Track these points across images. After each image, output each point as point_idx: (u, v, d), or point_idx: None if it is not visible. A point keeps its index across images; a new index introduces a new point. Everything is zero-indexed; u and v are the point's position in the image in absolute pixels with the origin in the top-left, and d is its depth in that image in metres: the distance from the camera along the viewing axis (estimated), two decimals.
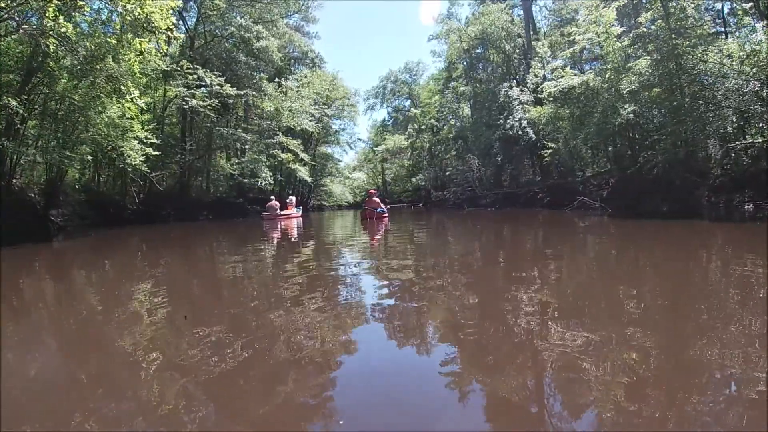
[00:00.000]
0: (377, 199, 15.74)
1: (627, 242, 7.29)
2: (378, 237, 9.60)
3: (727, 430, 1.52)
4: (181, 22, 19.68)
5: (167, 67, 13.93)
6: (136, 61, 8.61)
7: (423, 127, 32.60)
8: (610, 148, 16.61)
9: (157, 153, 12.10)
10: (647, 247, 6.44)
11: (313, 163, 27.86)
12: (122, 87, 8.21)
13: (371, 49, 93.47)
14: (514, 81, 21.64)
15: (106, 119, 8.97)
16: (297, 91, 22.47)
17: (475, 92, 23.52)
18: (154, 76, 14.43)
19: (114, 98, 8.74)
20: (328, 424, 1.66)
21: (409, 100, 44.08)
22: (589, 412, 1.69)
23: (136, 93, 8.70)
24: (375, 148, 44.48)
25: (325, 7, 63.69)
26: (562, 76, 14.55)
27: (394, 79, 44.96)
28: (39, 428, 1.67)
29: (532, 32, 23.02)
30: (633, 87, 12.49)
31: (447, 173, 33.26)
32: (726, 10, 16.47)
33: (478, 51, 23.92)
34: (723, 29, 15.68)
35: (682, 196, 11.33)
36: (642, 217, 10.55)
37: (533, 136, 18.01)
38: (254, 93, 18.24)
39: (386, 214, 15.65)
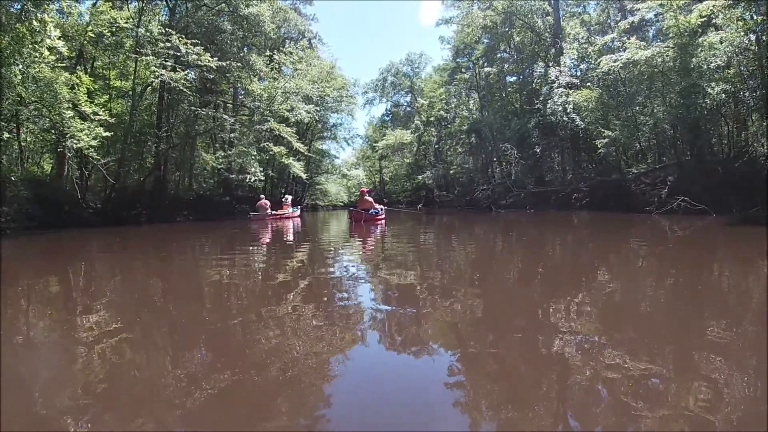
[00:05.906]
0: (370, 199, 13.36)
1: None
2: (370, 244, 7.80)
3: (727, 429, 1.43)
4: None
5: (126, 22, 11.03)
6: None
7: (432, 119, 29.97)
8: (646, 141, 14.07)
9: (107, 134, 9.23)
10: None
11: (309, 155, 25.35)
12: (34, 21, 5.33)
13: (369, 52, 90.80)
14: (546, 64, 18.96)
15: (21, 76, 6.04)
16: (294, 69, 19.62)
17: (500, 74, 20.79)
18: (113, 40, 11.45)
19: (28, 42, 5.83)
20: None
21: (410, 95, 41.95)
22: None
23: (56, 33, 5.79)
24: (375, 144, 41.80)
25: (322, 7, 60.97)
26: (626, 48, 11.82)
27: (395, 72, 42.39)
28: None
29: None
30: (719, 62, 9.98)
31: (451, 171, 30.91)
32: None
33: (499, 32, 21.07)
34: None
35: None
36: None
37: (580, 122, 15.18)
38: (239, 65, 15.23)
39: (381, 216, 13.20)
